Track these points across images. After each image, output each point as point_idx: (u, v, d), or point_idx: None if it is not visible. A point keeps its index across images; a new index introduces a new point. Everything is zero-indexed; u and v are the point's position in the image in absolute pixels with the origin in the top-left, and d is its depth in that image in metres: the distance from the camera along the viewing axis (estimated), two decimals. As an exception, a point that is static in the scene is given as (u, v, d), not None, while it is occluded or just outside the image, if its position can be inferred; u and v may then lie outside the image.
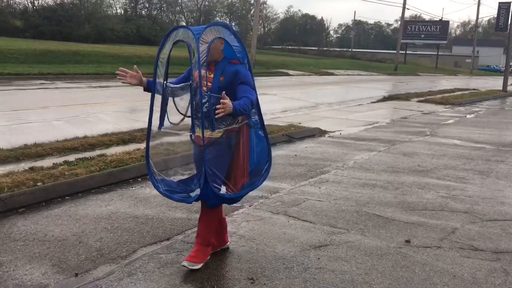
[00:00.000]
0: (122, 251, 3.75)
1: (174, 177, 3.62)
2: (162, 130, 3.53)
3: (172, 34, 3.35)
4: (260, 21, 76.36)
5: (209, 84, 3.37)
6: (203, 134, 3.23)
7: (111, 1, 64.26)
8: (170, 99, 3.52)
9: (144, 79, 3.53)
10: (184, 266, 3.46)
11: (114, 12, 63.76)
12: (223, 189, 3.40)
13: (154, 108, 3.47)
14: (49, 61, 22.72)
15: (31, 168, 5.60)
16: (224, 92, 3.20)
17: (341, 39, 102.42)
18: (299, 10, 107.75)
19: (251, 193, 5.35)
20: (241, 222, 4.51)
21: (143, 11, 65.26)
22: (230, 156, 3.44)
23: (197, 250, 3.54)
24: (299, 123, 10.62)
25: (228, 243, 3.90)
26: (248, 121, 3.49)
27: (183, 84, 3.50)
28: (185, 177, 3.65)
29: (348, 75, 36.39)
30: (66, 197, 4.97)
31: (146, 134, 3.60)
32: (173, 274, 3.43)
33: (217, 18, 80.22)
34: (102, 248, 3.74)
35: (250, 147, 3.52)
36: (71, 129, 8.41)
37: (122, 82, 3.53)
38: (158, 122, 3.50)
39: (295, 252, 3.88)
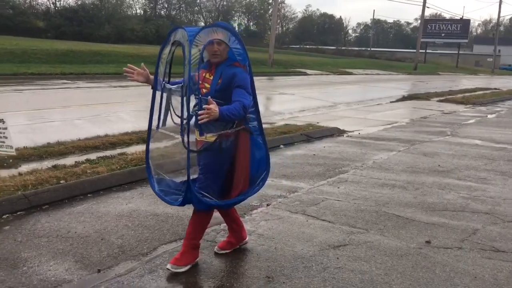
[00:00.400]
0: (143, 248, 3.81)
1: (176, 178, 3.55)
2: (159, 130, 3.48)
3: (172, 34, 3.33)
4: (278, 21, 76.30)
5: (208, 85, 3.31)
6: (188, 137, 3.16)
7: (131, 2, 64.98)
8: (170, 100, 3.47)
9: (151, 77, 3.51)
10: (168, 269, 3.41)
11: (134, 12, 64.45)
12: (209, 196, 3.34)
13: (154, 108, 3.44)
14: (71, 61, 23.07)
15: (54, 166, 5.72)
16: (209, 97, 3.13)
17: (359, 38, 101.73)
18: (318, 9, 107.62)
19: (270, 192, 5.40)
20: (260, 221, 4.53)
21: (162, 11, 65.83)
22: (227, 163, 3.35)
23: (183, 253, 3.49)
24: (317, 122, 10.60)
25: (247, 239, 3.91)
26: (245, 126, 3.37)
27: (176, 86, 3.40)
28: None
29: (366, 74, 36.13)
30: (88, 195, 5.05)
31: (147, 134, 3.56)
32: (193, 271, 3.46)
33: (235, 18, 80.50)
34: (123, 245, 3.80)
35: (252, 154, 3.43)
36: (92, 128, 8.54)
37: (130, 80, 3.52)
38: (157, 123, 3.46)
39: (314, 251, 3.88)
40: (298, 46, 72.12)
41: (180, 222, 4.38)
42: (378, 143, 8.79)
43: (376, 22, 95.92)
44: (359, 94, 20.15)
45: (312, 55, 52.21)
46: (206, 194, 3.30)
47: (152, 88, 3.52)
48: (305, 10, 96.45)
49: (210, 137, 3.29)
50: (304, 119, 11.19)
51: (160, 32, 49.64)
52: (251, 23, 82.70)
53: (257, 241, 4.05)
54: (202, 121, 3.01)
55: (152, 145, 3.57)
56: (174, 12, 68.43)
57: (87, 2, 50.69)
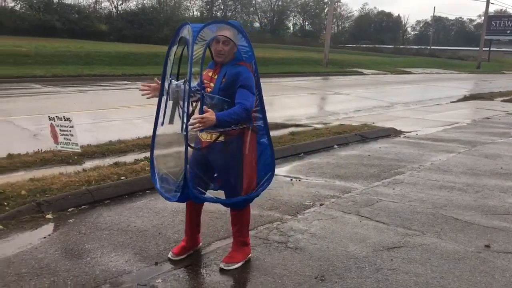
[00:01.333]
0: (198, 244, 3.91)
1: (175, 176, 3.44)
2: (165, 127, 3.44)
3: (180, 31, 3.28)
4: (334, 20, 75.43)
5: (212, 85, 3.26)
6: (187, 133, 3.10)
7: (188, 4, 66.40)
8: (178, 97, 3.38)
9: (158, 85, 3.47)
10: (221, 268, 3.46)
11: (191, 14, 65.82)
12: (208, 193, 3.34)
13: (161, 106, 3.42)
14: (131, 63, 23.93)
15: (115, 163, 5.98)
16: (205, 107, 3.07)
17: (419, 36, 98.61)
18: (375, 8, 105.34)
19: (323, 192, 5.40)
20: (312, 220, 4.54)
21: (218, 13, 66.82)
22: (235, 161, 3.29)
23: (234, 251, 3.56)
24: (373, 123, 10.42)
25: (201, 244, 3.83)
26: (249, 124, 3.29)
27: (178, 82, 3.34)
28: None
29: (426, 73, 35.03)
30: (147, 191, 5.25)
31: (152, 131, 3.54)
32: (246, 268, 3.53)
33: (291, 18, 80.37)
34: (179, 240, 3.92)
35: (259, 153, 3.35)
36: (150, 127, 8.82)
37: (147, 98, 3.51)
38: (162, 119, 3.41)
39: (367, 252, 3.85)
40: (354, 45, 70.95)
41: (234, 219, 4.46)
42: (437, 144, 8.52)
43: (437, 20, 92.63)
44: (418, 94, 19.58)
45: (368, 54, 51.22)
46: (202, 190, 3.27)
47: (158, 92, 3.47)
48: (362, 9, 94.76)
49: (214, 135, 3.24)
50: (359, 120, 11.03)
51: (216, 34, 50.38)
52: (306, 23, 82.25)
53: (310, 240, 4.06)
54: (195, 130, 2.97)
55: (157, 143, 3.54)
56: (230, 13, 69.30)
57: (147, 5, 52.36)
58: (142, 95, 3.53)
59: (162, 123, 3.41)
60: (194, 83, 3.31)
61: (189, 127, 3.03)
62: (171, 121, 3.36)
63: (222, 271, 3.48)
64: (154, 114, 3.50)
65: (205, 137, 3.29)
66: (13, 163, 5.91)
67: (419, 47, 72.88)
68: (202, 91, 3.20)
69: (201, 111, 3.09)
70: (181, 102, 3.29)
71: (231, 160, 3.29)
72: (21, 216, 4.35)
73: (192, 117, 3.08)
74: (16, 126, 8.68)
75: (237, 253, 3.57)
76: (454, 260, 3.73)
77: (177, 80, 3.35)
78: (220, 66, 3.31)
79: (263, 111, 3.35)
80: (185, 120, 3.11)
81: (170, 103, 3.35)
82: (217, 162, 3.32)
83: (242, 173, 3.30)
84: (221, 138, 3.26)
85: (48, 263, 3.49)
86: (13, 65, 19.17)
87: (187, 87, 3.14)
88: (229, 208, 3.64)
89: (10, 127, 8.62)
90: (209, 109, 3.05)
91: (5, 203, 4.50)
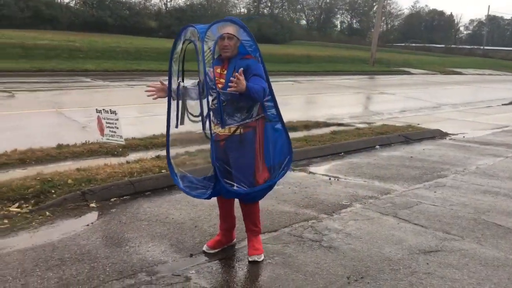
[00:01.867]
0: (232, 238, 3.98)
1: (197, 174, 3.60)
2: (178, 128, 3.55)
3: (183, 33, 3.38)
4: (383, 18, 73.96)
5: (222, 80, 3.33)
6: (210, 130, 3.25)
7: (235, 1, 66.91)
8: (186, 98, 3.53)
9: (165, 87, 3.58)
10: (254, 260, 3.55)
11: (238, 11, 66.27)
12: (235, 186, 3.38)
13: (171, 107, 3.51)
14: (188, 59, 24.35)
15: (157, 156, 6.15)
16: (241, 69, 3.18)
17: (472, 36, 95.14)
18: (426, 6, 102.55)
19: (361, 193, 5.35)
20: (348, 220, 4.51)
21: (265, 10, 66.91)
22: (251, 152, 3.37)
23: (257, 242, 3.65)
24: (418, 124, 10.18)
25: (235, 239, 3.90)
26: (264, 114, 3.40)
27: (193, 82, 3.49)
28: (209, 174, 3.64)
29: (477, 74, 33.82)
30: (186, 185, 5.36)
31: (166, 132, 3.64)
32: (278, 264, 3.56)
33: (338, 16, 79.46)
34: (214, 234, 4.00)
35: (267, 142, 3.41)
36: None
37: (153, 98, 3.62)
38: (175, 122, 3.54)
39: (402, 254, 3.79)
40: (403, 44, 69.41)
41: (268, 216, 4.50)
42: (484, 147, 8.24)
43: (491, 19, 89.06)
44: (468, 95, 18.94)
45: (418, 54, 50.00)
46: (235, 184, 3.34)
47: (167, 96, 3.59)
48: (413, 7, 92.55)
49: (232, 128, 3.34)
50: (404, 120, 10.81)
51: (262, 31, 50.50)
52: (354, 21, 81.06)
53: (344, 240, 4.04)
54: (230, 89, 3.11)
55: (172, 144, 3.64)
56: (277, 10, 69.24)
57: (195, 2, 53.15)
58: (148, 96, 3.66)
59: (177, 125, 3.54)
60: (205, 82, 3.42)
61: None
62: (181, 122, 3.52)
63: (254, 264, 3.53)
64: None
65: (223, 131, 3.37)
66: (62, 153, 6.19)
67: (471, 47, 70.42)
68: (216, 89, 3.30)
69: (220, 109, 3.25)
70: (190, 102, 3.48)
71: (247, 151, 3.37)
72: (66, 204, 4.56)
73: (231, 78, 3.17)
74: (66, 117, 9.06)
75: (258, 243, 3.66)
76: (493, 267, 3.62)
77: (181, 79, 3.49)
78: (228, 61, 3.39)
79: (274, 100, 3.44)
80: (205, 119, 3.29)
81: (180, 104, 3.51)
82: (233, 154, 3.38)
83: (255, 164, 3.39)
84: (239, 131, 3.36)
85: (89, 250, 3.65)
86: (67, 59, 19.99)
87: (201, 86, 3.29)
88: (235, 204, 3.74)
89: (61, 118, 9.00)
90: (241, 76, 3.15)
91: (53, 191, 4.73)
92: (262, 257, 3.61)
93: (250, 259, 3.58)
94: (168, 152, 3.66)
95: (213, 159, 3.23)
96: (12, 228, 3.99)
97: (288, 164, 3.48)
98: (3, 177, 5.10)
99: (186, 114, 3.55)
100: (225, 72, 3.37)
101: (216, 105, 3.30)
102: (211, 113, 3.39)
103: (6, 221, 4.12)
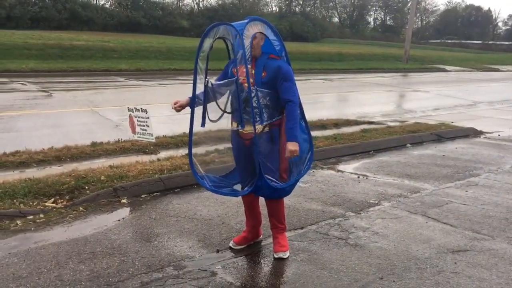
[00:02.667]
0: (259, 235, 4.03)
1: (216, 173, 3.73)
2: (203, 127, 3.61)
3: (212, 31, 3.38)
4: (418, 14, 72.53)
5: (251, 80, 3.34)
6: (254, 128, 3.28)
7: (267, 0, 66.92)
8: (213, 96, 3.54)
9: (188, 98, 3.64)
10: (279, 257, 3.59)
11: (269, 10, 66.30)
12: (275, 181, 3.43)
13: (195, 107, 3.55)
14: (210, 58, 24.57)
15: (187, 154, 6.25)
16: (297, 143, 3.33)
17: (510, 32, 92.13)
18: (463, 1, 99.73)
19: (390, 191, 5.31)
20: (375, 218, 4.49)
21: (297, 8, 66.64)
22: (277, 148, 3.44)
23: (282, 239, 3.69)
24: (452, 122, 9.99)
25: (261, 236, 3.94)
26: None
27: (227, 80, 3.49)
28: (225, 172, 3.76)
29: (516, 71, 32.76)
30: (215, 182, 5.45)
31: (188, 132, 3.67)
32: (304, 260, 3.59)
33: (371, 13, 78.37)
34: (241, 230, 4.05)
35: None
36: (221, 121, 9.07)
37: (178, 111, 3.70)
38: (200, 121, 3.58)
39: (430, 253, 3.75)
40: (438, 40, 67.90)
41: (295, 214, 4.53)
42: (520, 146, 8.02)
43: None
44: (505, 92, 18.38)
45: (453, 50, 48.86)
46: (273, 179, 3.39)
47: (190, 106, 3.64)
48: (449, 2, 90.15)
49: (260, 127, 3.38)
50: (437, 118, 10.62)
51: (294, 29, 50.41)
52: (388, 18, 79.74)
53: (371, 238, 4.03)
54: (288, 155, 3.33)
55: (195, 144, 3.69)
56: (309, 8, 68.86)
57: (227, 1, 53.46)
58: (177, 111, 3.71)
59: (203, 124, 3.59)
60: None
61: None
62: (214, 120, 3.59)
63: (279, 260, 3.57)
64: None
65: (248, 129, 3.42)
66: (96, 150, 6.38)
67: (510, 43, 68.14)
68: (255, 87, 3.34)
69: (253, 103, 3.29)
70: (222, 99, 3.56)
71: (273, 148, 3.44)
72: (99, 199, 4.71)
73: (286, 156, 3.38)
74: (101, 116, 9.31)
75: (284, 240, 3.70)
76: (524, 268, 3.54)
77: (207, 77, 3.52)
78: (254, 60, 3.42)
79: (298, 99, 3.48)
80: (244, 116, 3.37)
81: (208, 102, 3.54)
82: (261, 151, 3.40)
83: (279, 159, 3.46)
84: (266, 129, 3.42)
85: (120, 244, 3.77)
86: (101, 59, 20.49)
87: (241, 84, 3.35)
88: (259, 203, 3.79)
89: (96, 117, 9.26)
90: (292, 147, 3.33)
91: (86, 187, 4.90)
92: (288, 254, 3.65)
93: (275, 256, 3.63)
94: (190, 151, 3.72)
95: (256, 156, 3.34)
96: (47, 222, 4.16)
97: (311, 159, 3.56)
98: (39, 173, 5.31)
99: (206, 114, 3.59)
100: (252, 71, 3.41)
101: (256, 102, 3.33)
102: (244, 111, 3.42)
103: (42, 215, 4.30)
